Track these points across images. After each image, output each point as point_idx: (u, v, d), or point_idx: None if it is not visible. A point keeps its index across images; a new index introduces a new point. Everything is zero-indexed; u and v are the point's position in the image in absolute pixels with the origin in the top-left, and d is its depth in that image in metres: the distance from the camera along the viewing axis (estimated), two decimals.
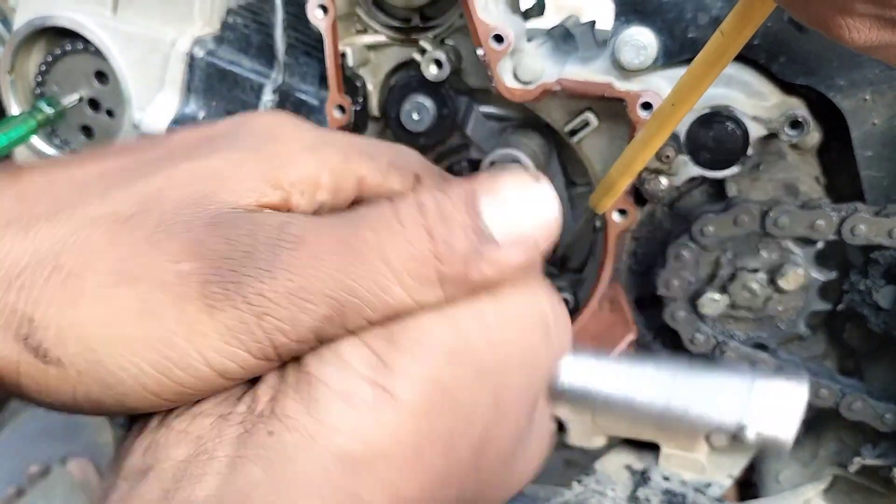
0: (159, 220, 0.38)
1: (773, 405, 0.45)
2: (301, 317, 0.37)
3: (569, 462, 1.08)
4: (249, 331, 0.37)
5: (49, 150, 1.15)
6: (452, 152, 1.04)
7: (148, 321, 0.37)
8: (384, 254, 0.38)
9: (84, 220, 0.38)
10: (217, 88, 1.06)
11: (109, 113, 1.13)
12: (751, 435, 0.45)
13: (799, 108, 0.86)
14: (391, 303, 0.38)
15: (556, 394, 0.50)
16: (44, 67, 1.12)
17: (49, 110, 1.11)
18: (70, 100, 1.12)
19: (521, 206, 0.39)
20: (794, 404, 0.45)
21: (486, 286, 0.40)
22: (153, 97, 1.08)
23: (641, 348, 1.03)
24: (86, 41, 1.08)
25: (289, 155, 0.44)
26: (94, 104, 1.13)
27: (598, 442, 1.02)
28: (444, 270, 0.39)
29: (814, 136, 0.87)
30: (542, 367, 0.45)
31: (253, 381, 0.39)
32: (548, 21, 1.06)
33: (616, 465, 1.12)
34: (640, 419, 0.49)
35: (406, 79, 0.99)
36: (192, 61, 1.06)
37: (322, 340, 0.39)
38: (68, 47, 1.10)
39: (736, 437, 0.46)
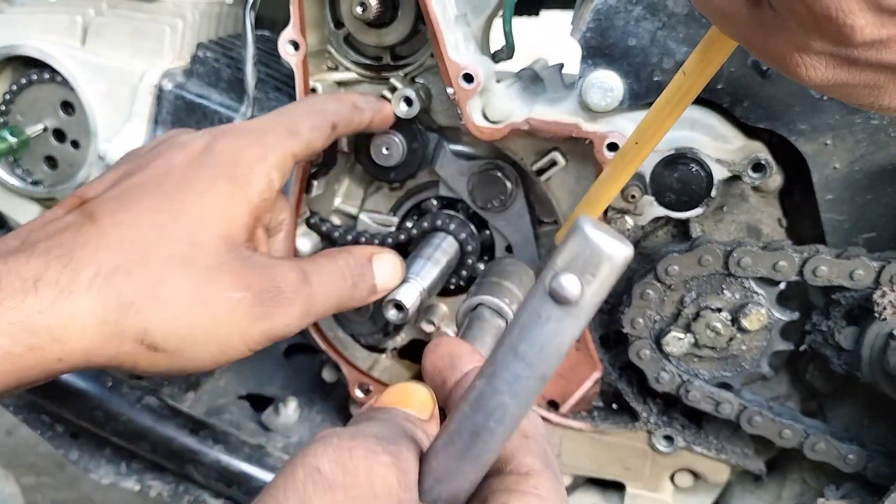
0: (209, 262, 0.69)
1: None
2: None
3: None
4: (276, 334, 0.73)
5: (11, 179, 1.13)
6: (422, 189, 1.05)
7: (216, 328, 0.69)
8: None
9: (160, 263, 0.67)
10: (185, 121, 1.05)
11: (75, 144, 1.11)
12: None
13: (761, 151, 0.87)
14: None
15: None
16: (8, 96, 1.10)
17: (12, 139, 1.10)
18: (34, 130, 1.11)
19: None
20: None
21: None
22: (120, 129, 1.07)
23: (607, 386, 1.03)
24: (53, 71, 1.07)
25: (252, 178, 0.75)
26: (59, 135, 1.12)
27: (563, 481, 1.00)
28: None
29: (776, 179, 0.89)
30: None
31: None
32: (515, 65, 1.07)
33: None
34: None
35: None
36: (160, 94, 1.05)
37: None
38: (34, 77, 1.09)
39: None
